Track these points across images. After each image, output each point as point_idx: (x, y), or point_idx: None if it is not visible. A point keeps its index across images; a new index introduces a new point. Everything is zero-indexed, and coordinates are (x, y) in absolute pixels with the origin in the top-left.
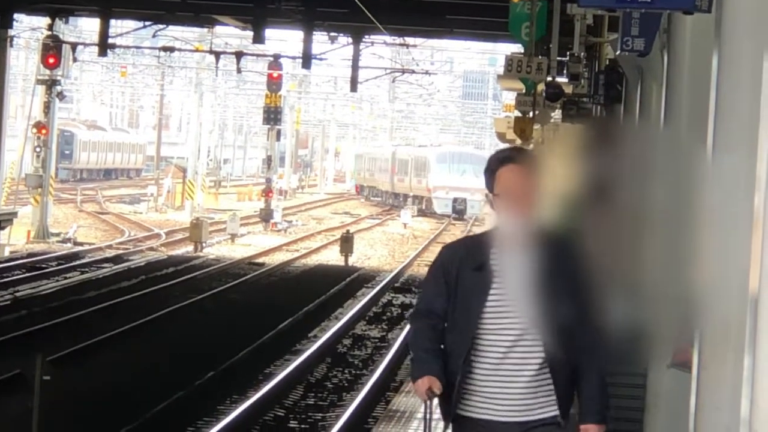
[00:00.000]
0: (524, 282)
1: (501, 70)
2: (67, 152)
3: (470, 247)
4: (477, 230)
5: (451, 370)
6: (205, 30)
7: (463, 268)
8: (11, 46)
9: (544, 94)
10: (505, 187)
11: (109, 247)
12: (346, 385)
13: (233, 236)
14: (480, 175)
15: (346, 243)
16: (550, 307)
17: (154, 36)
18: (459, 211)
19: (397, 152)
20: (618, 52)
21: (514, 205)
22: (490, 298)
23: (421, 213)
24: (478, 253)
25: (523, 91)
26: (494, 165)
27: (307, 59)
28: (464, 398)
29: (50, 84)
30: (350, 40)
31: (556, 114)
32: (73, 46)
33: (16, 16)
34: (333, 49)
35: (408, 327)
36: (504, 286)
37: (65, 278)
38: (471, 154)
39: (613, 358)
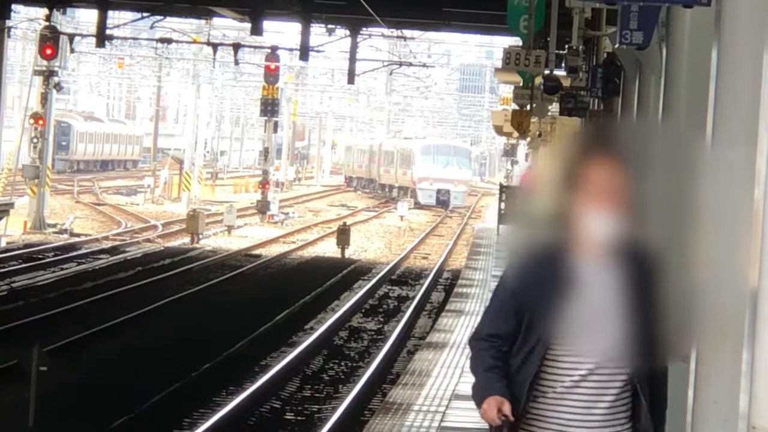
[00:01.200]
0: (610, 299)
1: (498, 63)
2: (64, 143)
3: (542, 260)
4: (473, 223)
5: (518, 397)
6: (203, 21)
7: (536, 284)
8: (9, 36)
9: (541, 87)
10: (593, 187)
11: (106, 238)
12: (342, 377)
13: (230, 228)
14: (462, 167)
15: (343, 235)
16: (638, 327)
17: (151, 27)
18: (443, 202)
19: (384, 144)
20: (616, 46)
21: (602, 210)
22: (569, 317)
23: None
24: (553, 266)
25: (521, 84)
26: (578, 155)
27: (304, 51)
28: (538, 428)
29: (47, 75)
30: (348, 32)
31: (554, 107)
32: (71, 37)
33: (13, 6)
34: (330, 41)
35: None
36: (585, 303)
37: (62, 269)
38: (455, 146)
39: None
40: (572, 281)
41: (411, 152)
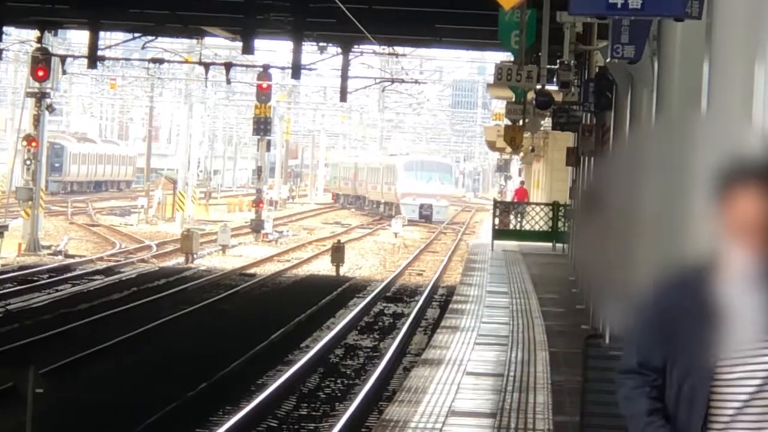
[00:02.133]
0: (762, 325)
1: (490, 79)
2: (57, 165)
3: (688, 286)
4: (468, 239)
5: None
6: (194, 41)
7: (684, 312)
8: (0, 59)
9: (534, 102)
10: (742, 216)
11: (100, 259)
12: (338, 395)
13: (224, 247)
14: (444, 182)
15: (337, 253)
16: None
17: (143, 48)
18: (426, 216)
19: (369, 161)
20: (608, 60)
21: (752, 242)
22: (726, 345)
23: (411, 222)
24: (701, 292)
25: (513, 99)
26: (727, 179)
27: (296, 69)
28: None
29: (40, 97)
30: (339, 50)
31: (546, 122)
32: (63, 58)
33: (5, 29)
34: (322, 59)
35: (619, 387)
36: (742, 329)
37: (57, 291)
38: (437, 162)
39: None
40: (721, 310)
41: (394, 168)
